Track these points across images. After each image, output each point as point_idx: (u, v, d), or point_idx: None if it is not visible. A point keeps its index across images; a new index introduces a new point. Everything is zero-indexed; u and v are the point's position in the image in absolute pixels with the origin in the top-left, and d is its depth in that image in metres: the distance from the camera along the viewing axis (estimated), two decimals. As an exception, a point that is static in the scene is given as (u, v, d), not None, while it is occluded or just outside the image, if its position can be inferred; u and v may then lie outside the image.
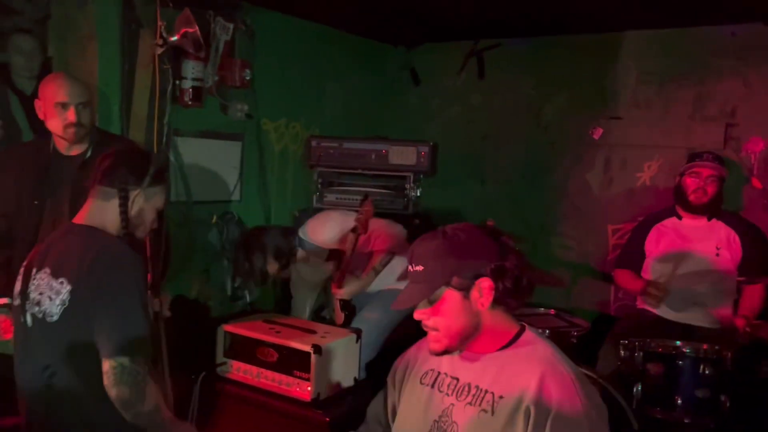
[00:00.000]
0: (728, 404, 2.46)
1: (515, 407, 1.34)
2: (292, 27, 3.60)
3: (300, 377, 2.38)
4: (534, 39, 3.87)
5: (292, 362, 2.40)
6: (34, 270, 1.73)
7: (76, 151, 2.39)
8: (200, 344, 2.87)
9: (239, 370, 2.53)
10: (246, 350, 2.52)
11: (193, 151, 3.14)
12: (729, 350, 2.49)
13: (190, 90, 2.97)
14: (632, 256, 3.14)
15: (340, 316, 2.90)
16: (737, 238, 2.97)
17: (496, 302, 1.40)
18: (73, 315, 1.63)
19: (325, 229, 2.92)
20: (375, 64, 4.31)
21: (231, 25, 3.08)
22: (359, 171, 3.67)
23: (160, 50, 2.62)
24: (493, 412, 1.38)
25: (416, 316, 1.47)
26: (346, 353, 2.51)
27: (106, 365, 1.60)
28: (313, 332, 2.53)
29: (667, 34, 3.46)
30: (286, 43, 3.59)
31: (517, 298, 1.43)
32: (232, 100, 3.28)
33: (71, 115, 2.28)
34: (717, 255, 2.95)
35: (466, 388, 1.46)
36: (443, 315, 1.43)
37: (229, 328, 2.58)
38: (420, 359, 1.62)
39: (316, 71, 3.84)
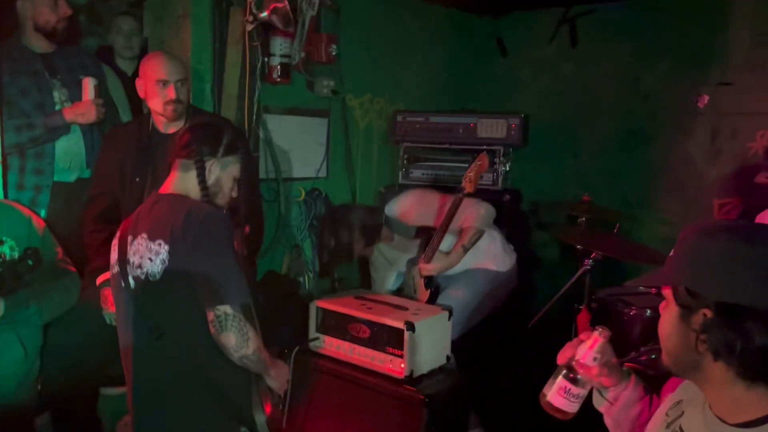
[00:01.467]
0: None
1: None
2: (379, 1, 3.53)
3: (393, 354, 2.35)
4: (632, 2, 3.62)
5: (385, 339, 2.37)
6: (130, 238, 1.82)
7: (173, 129, 2.44)
8: (292, 319, 2.91)
9: (332, 346, 2.53)
10: (338, 326, 2.52)
11: (282, 128, 3.15)
12: None
13: (278, 67, 2.97)
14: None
15: (424, 294, 2.85)
16: None
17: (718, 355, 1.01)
18: (174, 272, 1.72)
19: (414, 207, 2.87)
20: (460, 36, 4.18)
21: (317, 0, 3.06)
22: (446, 146, 3.57)
23: (250, 27, 2.63)
24: None
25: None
26: (439, 330, 2.46)
27: (211, 315, 1.70)
28: (405, 309, 2.49)
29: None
30: (369, 16, 3.53)
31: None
32: (318, 76, 3.26)
33: (171, 92, 2.33)
34: None
35: None
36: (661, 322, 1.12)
37: (321, 303, 2.58)
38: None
39: (400, 45, 3.77)
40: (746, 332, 0.96)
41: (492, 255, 2.94)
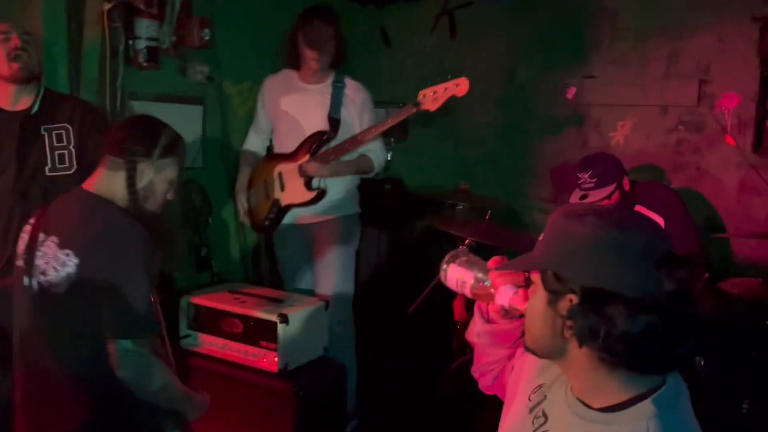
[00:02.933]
0: (703, 363, 2.44)
1: None
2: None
3: (267, 348, 2.31)
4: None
5: (258, 332, 2.33)
6: (42, 235, 1.67)
7: (21, 105, 2.25)
8: (165, 317, 2.78)
9: (205, 343, 2.45)
10: (211, 322, 2.44)
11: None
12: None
13: (145, 50, 2.80)
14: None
15: (306, 194, 2.86)
16: (661, 221, 2.86)
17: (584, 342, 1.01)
18: (79, 291, 1.58)
19: None
20: (344, 24, 4.14)
21: (188, -19, 2.92)
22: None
23: (107, 6, 2.46)
24: None
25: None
26: (315, 322, 2.43)
27: (111, 347, 1.58)
28: (280, 301, 2.45)
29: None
30: (248, 1, 3.41)
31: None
32: (192, 62, 3.12)
33: (15, 40, 2.13)
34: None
35: None
36: (528, 307, 1.13)
37: (193, 299, 2.49)
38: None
39: (281, 32, 3.67)
40: (610, 318, 0.96)
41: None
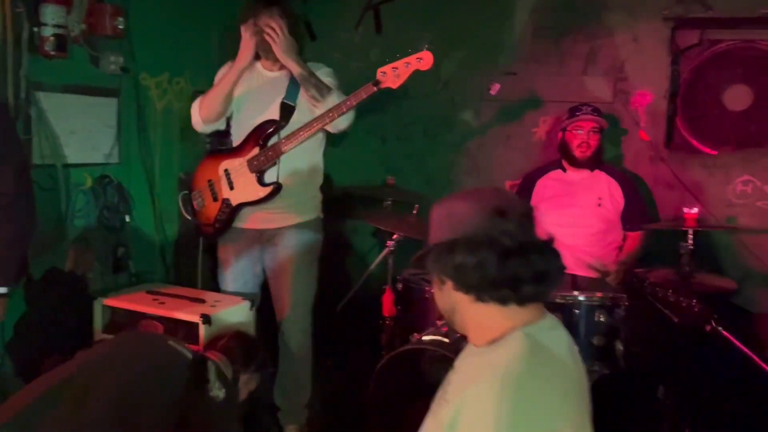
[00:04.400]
0: (622, 349, 2.53)
1: None
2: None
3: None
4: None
5: (180, 334, 2.23)
6: None
7: None
8: (77, 321, 2.63)
9: (121, 346, 2.32)
10: (128, 324, 2.32)
11: (60, 108, 2.80)
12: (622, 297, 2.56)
13: (52, 38, 2.62)
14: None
15: (262, 190, 2.64)
16: (619, 188, 3.07)
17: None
18: None
19: None
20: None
21: (97, -34, 2.76)
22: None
23: (7, -11, 2.28)
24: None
25: None
26: (239, 322, 2.36)
27: None
28: (202, 301, 2.37)
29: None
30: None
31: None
32: (104, 52, 2.95)
33: None
34: (599, 205, 3.05)
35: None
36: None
37: (108, 301, 2.36)
38: None
39: (202, 22, 3.55)
40: (458, 257, 1.19)
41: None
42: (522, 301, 1.20)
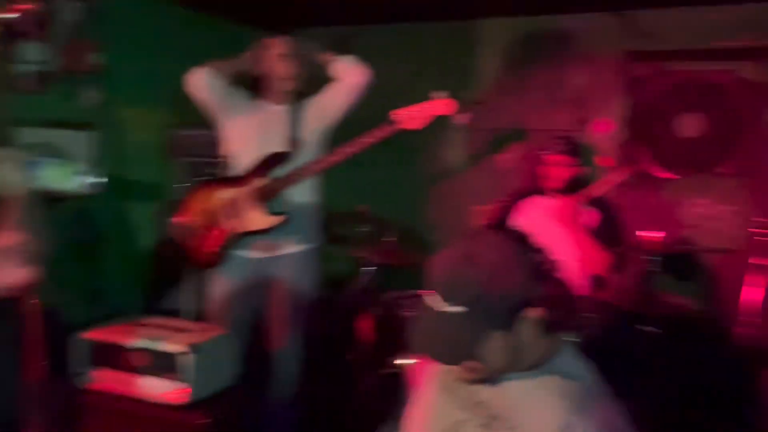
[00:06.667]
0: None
1: None
2: (151, 9, 3.35)
3: (174, 380, 2.24)
4: (399, 26, 3.90)
5: (163, 364, 2.25)
6: None
7: None
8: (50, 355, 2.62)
9: (103, 379, 2.33)
10: (111, 357, 2.32)
11: (39, 142, 2.83)
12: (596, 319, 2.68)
13: (30, 74, 2.67)
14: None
15: (268, 220, 2.66)
16: (594, 214, 3.20)
17: None
18: None
19: None
20: (240, 50, 4.13)
21: (76, 4, 2.81)
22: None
23: (-11, 28, 2.31)
24: None
25: None
26: (223, 351, 2.39)
27: None
28: (185, 331, 2.39)
29: (527, 21, 3.64)
30: (144, 25, 3.33)
31: None
32: (82, 86, 2.99)
33: None
34: (575, 230, 3.17)
35: None
36: None
37: (88, 335, 2.36)
38: None
39: (177, 56, 3.60)
40: None
41: None
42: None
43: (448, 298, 1.26)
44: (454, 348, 1.26)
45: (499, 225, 3.28)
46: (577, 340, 2.58)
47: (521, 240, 1.29)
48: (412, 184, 3.97)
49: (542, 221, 3.19)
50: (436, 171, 3.92)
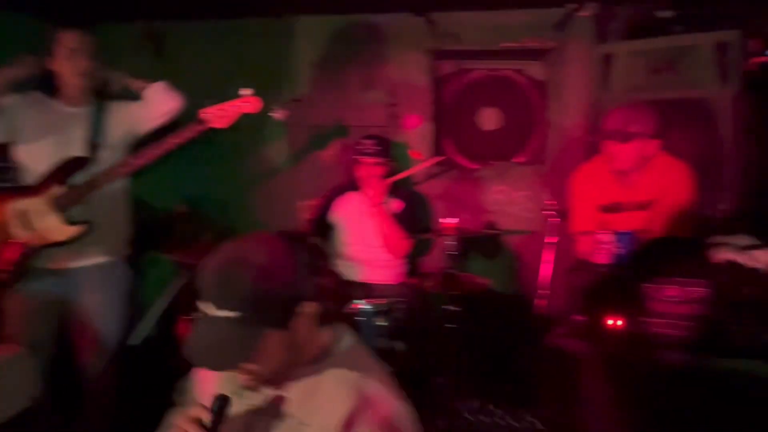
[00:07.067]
0: (403, 350, 2.84)
1: None
2: None
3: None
4: (214, 22, 3.84)
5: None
6: None
7: None
8: None
9: None
10: None
11: None
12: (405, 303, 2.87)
13: None
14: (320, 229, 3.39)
15: (68, 230, 2.53)
16: (402, 204, 3.40)
17: None
18: None
19: None
20: (42, 46, 3.83)
21: None
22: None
23: None
24: None
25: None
26: (16, 372, 2.26)
27: None
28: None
29: (338, 19, 3.75)
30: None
31: None
32: None
33: None
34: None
35: None
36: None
37: None
38: None
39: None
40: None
41: None
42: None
43: (219, 304, 1.30)
44: (222, 354, 1.30)
45: (319, 220, 3.39)
46: (385, 324, 2.78)
47: (292, 239, 1.37)
48: (233, 183, 3.95)
49: (355, 215, 3.35)
50: (260, 168, 3.93)
